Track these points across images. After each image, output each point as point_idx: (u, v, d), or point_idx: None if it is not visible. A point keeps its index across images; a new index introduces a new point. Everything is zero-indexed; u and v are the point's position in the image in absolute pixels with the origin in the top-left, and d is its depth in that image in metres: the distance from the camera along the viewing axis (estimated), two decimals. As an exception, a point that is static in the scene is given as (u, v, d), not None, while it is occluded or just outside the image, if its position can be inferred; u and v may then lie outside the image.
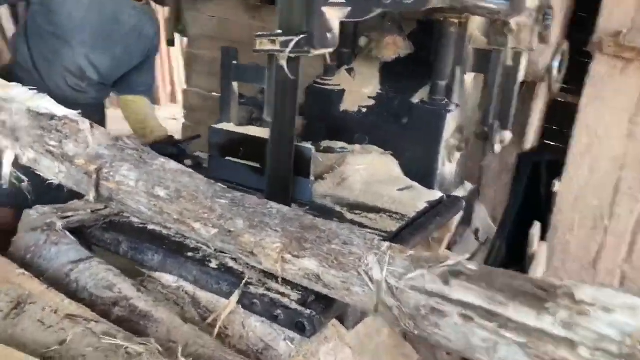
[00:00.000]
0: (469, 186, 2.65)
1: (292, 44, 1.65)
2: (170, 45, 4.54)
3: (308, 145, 1.87)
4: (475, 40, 2.26)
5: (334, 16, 1.66)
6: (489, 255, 2.72)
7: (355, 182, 2.09)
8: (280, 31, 1.74)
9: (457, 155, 2.32)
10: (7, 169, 1.67)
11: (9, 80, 1.75)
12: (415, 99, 2.29)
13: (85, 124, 1.63)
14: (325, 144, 2.34)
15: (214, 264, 1.49)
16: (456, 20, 2.08)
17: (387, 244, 1.18)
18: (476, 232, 2.70)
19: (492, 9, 1.82)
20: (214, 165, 2.07)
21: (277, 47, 1.69)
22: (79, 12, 2.39)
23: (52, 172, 1.64)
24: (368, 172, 2.15)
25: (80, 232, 1.67)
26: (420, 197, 2.08)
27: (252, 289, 1.41)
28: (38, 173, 1.61)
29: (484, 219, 2.89)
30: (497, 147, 2.21)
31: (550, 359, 0.94)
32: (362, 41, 2.30)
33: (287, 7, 1.72)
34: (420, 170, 2.25)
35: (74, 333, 1.21)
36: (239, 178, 2.02)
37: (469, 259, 1.10)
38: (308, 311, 1.34)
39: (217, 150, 2.04)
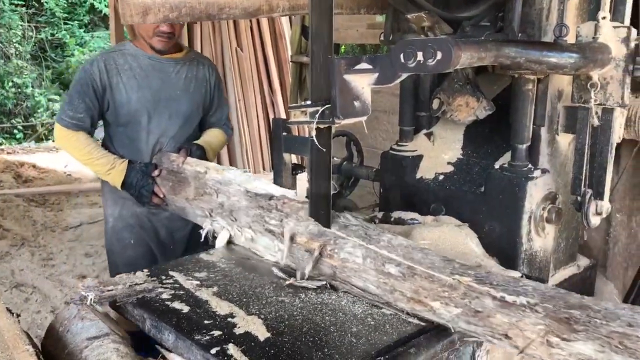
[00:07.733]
0: (585, 262, 2.28)
1: (317, 115, 1.57)
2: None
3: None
4: (567, 97, 1.96)
5: (362, 83, 1.55)
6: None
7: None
8: (309, 102, 1.67)
9: (550, 227, 2.01)
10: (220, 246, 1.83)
11: None
12: (497, 165, 2.04)
13: (305, 202, 1.72)
14: (397, 214, 2.17)
15: (213, 350, 1.41)
16: (532, 77, 1.83)
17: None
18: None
19: (555, 63, 1.56)
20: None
21: (307, 119, 1.62)
22: (133, 103, 2.42)
23: (270, 250, 1.74)
24: (434, 248, 1.93)
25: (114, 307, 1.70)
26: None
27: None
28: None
29: (611, 295, 2.47)
30: (594, 220, 1.85)
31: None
32: (435, 103, 2.11)
33: (315, 77, 1.65)
34: (502, 245, 1.97)
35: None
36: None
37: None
38: None
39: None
